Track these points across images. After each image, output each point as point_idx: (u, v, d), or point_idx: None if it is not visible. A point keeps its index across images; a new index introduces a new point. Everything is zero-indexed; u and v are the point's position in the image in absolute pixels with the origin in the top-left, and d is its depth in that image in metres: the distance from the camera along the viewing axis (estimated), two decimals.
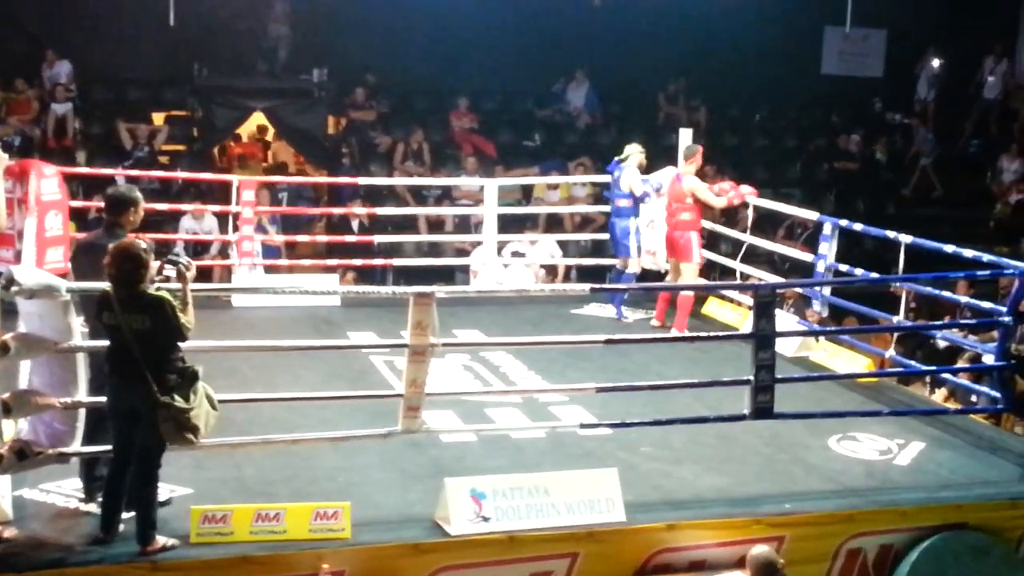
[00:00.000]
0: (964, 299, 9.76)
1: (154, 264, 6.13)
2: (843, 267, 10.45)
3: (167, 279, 6.25)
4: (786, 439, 8.15)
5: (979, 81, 20.81)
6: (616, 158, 11.73)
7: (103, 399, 6.37)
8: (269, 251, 13.11)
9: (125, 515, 6.21)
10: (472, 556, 6.47)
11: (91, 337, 6.44)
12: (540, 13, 18.76)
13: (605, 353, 9.48)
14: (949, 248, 9.21)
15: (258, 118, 17.62)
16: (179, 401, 5.98)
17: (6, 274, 6.09)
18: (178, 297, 6.12)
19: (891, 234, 10.08)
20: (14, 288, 6.02)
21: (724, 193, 11.23)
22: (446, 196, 16.32)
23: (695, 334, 9.76)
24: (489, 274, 12.55)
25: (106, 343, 6.18)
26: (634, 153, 11.55)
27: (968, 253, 9.07)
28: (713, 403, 8.01)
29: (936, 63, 20.90)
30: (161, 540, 6.10)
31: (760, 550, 6.40)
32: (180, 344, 6.10)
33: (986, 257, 8.97)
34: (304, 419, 7.48)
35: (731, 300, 11.58)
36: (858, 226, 10.63)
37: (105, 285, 6.07)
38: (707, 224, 12.86)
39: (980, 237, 16.41)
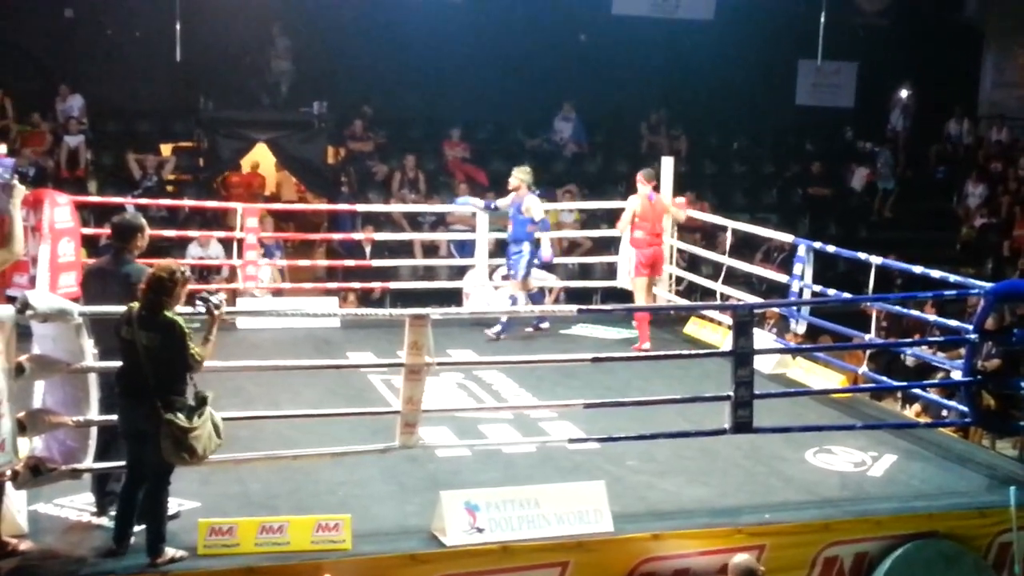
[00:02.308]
0: (932, 318, 9.77)
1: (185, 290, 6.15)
2: (817, 287, 10.46)
3: (197, 313, 6.24)
4: (765, 452, 8.15)
5: (945, 131, 21.03)
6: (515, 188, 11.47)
7: (114, 417, 6.37)
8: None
9: (136, 528, 6.19)
10: (467, 566, 6.46)
11: (102, 359, 6.43)
12: (529, 48, 18.87)
13: (592, 371, 9.46)
14: (917, 269, 9.24)
15: (255, 153, 17.61)
16: (181, 420, 5.95)
17: (21, 298, 6.08)
18: (199, 331, 6.12)
19: (863, 255, 10.10)
20: (28, 312, 6.01)
21: (682, 207, 11.91)
22: (440, 222, 16.32)
23: (678, 352, 9.77)
24: (481, 296, 12.54)
25: (116, 364, 6.18)
26: (526, 178, 11.47)
27: (936, 274, 9.09)
28: (695, 418, 7.99)
29: (905, 94, 21.02)
30: (170, 552, 6.09)
31: (741, 558, 6.40)
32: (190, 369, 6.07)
33: (952, 278, 9.00)
34: (306, 436, 7.46)
35: (711, 320, 11.58)
36: (831, 248, 10.65)
37: (121, 308, 6.09)
38: (688, 247, 12.93)
39: (947, 259, 16.45)
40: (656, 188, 11.54)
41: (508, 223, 11.52)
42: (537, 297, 11.54)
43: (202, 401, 6.08)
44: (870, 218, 19.47)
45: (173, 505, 6.51)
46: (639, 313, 11.19)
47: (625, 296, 11.93)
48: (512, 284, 11.41)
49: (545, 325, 11.55)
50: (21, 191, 6.66)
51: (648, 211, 11.24)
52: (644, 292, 11.27)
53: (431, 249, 15.82)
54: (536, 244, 11.33)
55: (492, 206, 11.92)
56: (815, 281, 10.54)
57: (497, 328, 11.16)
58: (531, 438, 8.13)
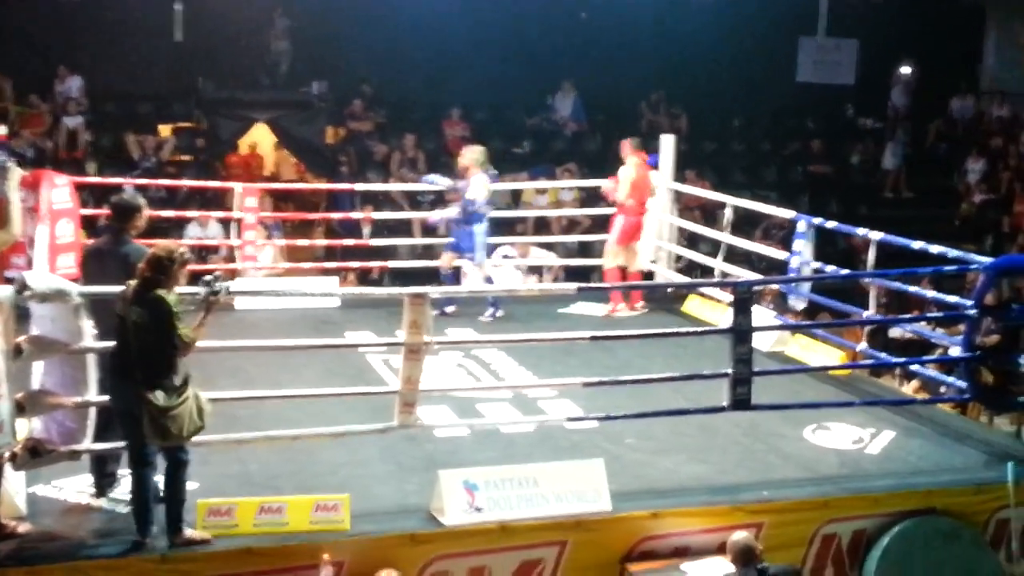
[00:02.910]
0: (931, 294, 9.74)
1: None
2: (817, 264, 10.44)
3: (195, 294, 6.20)
4: (763, 430, 8.15)
5: (948, 107, 20.97)
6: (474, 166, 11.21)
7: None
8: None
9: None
10: (466, 545, 6.47)
11: (100, 339, 6.42)
12: (528, 27, 18.81)
13: (591, 349, 9.43)
14: (917, 245, 9.20)
15: (254, 134, 17.56)
16: (158, 399, 5.89)
17: (19, 279, 6.06)
18: (194, 313, 6.08)
19: (862, 231, 10.07)
20: (27, 292, 6.00)
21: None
22: (439, 201, 16.26)
23: (676, 329, 9.75)
24: (479, 275, 12.51)
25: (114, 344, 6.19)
26: (477, 158, 11.27)
27: (935, 249, 9.06)
28: (693, 396, 7.99)
29: (907, 71, 20.94)
30: (189, 532, 6.09)
31: (740, 536, 6.39)
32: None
33: (952, 253, 8.97)
34: (305, 416, 7.42)
35: (711, 298, 11.56)
36: (831, 224, 10.62)
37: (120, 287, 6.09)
38: (689, 225, 12.91)
39: (947, 235, 16.40)
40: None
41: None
42: (449, 279, 11.34)
43: (184, 381, 6.01)
44: (871, 196, 19.43)
45: None
46: (613, 280, 11.23)
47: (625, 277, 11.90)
48: (472, 266, 11.16)
49: (451, 309, 11.19)
50: (17, 172, 6.64)
51: (641, 180, 11.30)
52: (616, 259, 11.46)
53: (430, 228, 15.77)
54: (488, 223, 11.13)
55: (457, 186, 11.61)
56: (815, 259, 10.52)
57: (490, 311, 11.10)
58: (529, 417, 8.13)
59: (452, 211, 11.54)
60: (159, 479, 6.19)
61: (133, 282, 6.03)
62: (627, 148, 11.64)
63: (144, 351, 5.91)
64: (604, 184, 11.97)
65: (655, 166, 11.88)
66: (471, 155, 11.30)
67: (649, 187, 11.68)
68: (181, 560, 6.00)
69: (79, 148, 16.06)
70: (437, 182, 12.00)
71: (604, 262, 11.73)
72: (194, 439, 6.12)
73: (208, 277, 6.24)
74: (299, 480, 6.92)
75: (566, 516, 6.64)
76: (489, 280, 11.46)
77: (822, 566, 7.10)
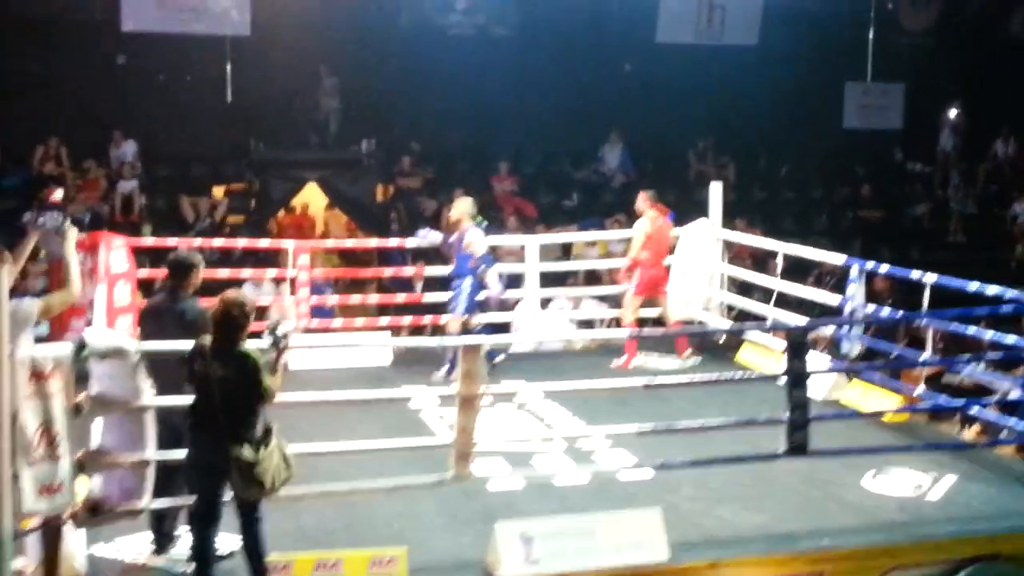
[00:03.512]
0: (990, 334, 9.60)
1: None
2: (871, 307, 10.34)
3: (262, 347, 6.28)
4: (821, 476, 8.05)
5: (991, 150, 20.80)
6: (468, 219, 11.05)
7: (172, 455, 6.43)
8: (325, 314, 13.13)
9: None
10: None
11: (159, 396, 6.49)
12: (575, 80, 18.96)
13: (645, 400, 9.41)
14: (973, 285, 9.10)
15: (305, 194, 17.76)
16: (247, 454, 5.97)
17: (78, 338, 6.16)
18: (268, 363, 6.15)
19: (916, 274, 9.98)
20: (86, 351, 6.09)
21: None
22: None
23: (731, 375, 9.69)
24: (531, 328, 12.51)
25: (174, 401, 6.25)
26: (468, 210, 11.07)
27: (991, 290, 8.96)
28: (749, 443, 7.91)
29: (954, 113, 20.82)
30: None
31: None
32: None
33: (1009, 293, 8.86)
34: (360, 471, 7.44)
35: (764, 346, 11.48)
36: (884, 267, 10.54)
37: (188, 343, 6.17)
38: (740, 272, 12.85)
39: (1003, 279, 16.18)
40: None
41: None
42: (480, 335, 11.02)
43: (267, 433, 6.09)
44: (923, 240, 19.27)
45: (229, 543, 6.54)
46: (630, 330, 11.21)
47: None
48: (451, 320, 10.85)
49: (500, 358, 10.88)
50: (75, 234, 6.75)
51: (657, 232, 11.33)
52: (635, 312, 11.43)
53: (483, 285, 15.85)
54: (480, 280, 10.81)
55: (449, 240, 11.36)
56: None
57: (445, 367, 10.57)
58: (584, 467, 8.09)
59: (436, 235, 11.46)
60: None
61: (207, 338, 6.09)
62: (644, 201, 11.62)
63: (230, 406, 5.98)
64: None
65: (674, 221, 11.85)
66: (461, 207, 11.11)
67: (667, 240, 11.64)
68: None
69: (134, 212, 16.33)
70: (429, 236, 11.90)
71: (624, 316, 11.63)
72: None
73: (270, 324, 6.31)
74: (354, 534, 6.94)
75: (624, 567, 6.59)
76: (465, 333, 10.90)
77: None
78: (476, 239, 10.83)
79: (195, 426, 6.12)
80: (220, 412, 5.95)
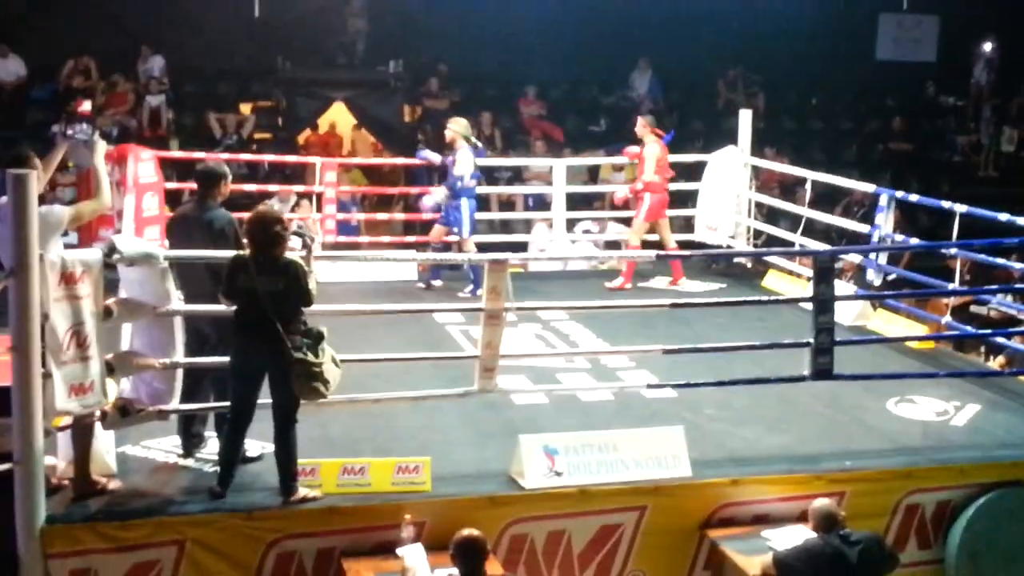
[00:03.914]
0: (1019, 266, 9.53)
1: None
2: (899, 237, 10.28)
3: (292, 249, 6.33)
4: (845, 401, 8.06)
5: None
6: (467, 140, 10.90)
7: (199, 360, 6.48)
8: (350, 230, 13.17)
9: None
10: (545, 509, 6.48)
11: (186, 303, 6.53)
12: (604, 5, 18.71)
13: (668, 322, 9.43)
14: (1003, 216, 9.03)
15: (332, 113, 17.71)
16: (310, 357, 6.05)
17: (107, 242, 6.18)
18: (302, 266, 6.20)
19: (945, 204, 9.90)
20: (115, 256, 6.11)
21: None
22: (517, 178, 16.30)
23: (757, 298, 9.66)
24: (557, 251, 12.51)
25: (202, 308, 6.30)
26: (460, 131, 10.91)
27: (1022, 221, 8.88)
28: (773, 368, 7.88)
29: (989, 47, 20.51)
30: (303, 491, 6.20)
31: (822, 503, 6.32)
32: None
33: None
34: (386, 383, 7.48)
35: (791, 272, 11.45)
36: (913, 197, 10.46)
37: (225, 252, 6.23)
38: (768, 199, 12.77)
39: None
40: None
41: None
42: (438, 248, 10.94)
43: (319, 336, 6.16)
44: (953, 174, 19.10)
45: (256, 447, 6.63)
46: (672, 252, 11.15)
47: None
48: (462, 241, 10.79)
49: (437, 283, 11.07)
50: (103, 146, 6.76)
51: (664, 157, 11.28)
52: (641, 237, 11.34)
53: (507, 203, 15.85)
54: (476, 199, 10.87)
55: (446, 160, 11.22)
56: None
57: (469, 288, 10.68)
58: (608, 384, 8.12)
59: (440, 193, 11.17)
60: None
61: (244, 252, 6.12)
62: (645, 126, 11.47)
63: (283, 315, 6.03)
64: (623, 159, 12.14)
65: (670, 144, 11.71)
66: (456, 127, 10.95)
67: (668, 164, 11.53)
68: (267, 517, 6.10)
69: (162, 126, 16.33)
70: (429, 156, 11.82)
71: (630, 240, 11.52)
72: None
73: (297, 230, 6.35)
74: (379, 444, 6.99)
75: (646, 481, 6.63)
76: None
77: (905, 536, 7.00)
78: (461, 159, 10.73)
79: (242, 334, 6.15)
80: (270, 321, 5.98)
